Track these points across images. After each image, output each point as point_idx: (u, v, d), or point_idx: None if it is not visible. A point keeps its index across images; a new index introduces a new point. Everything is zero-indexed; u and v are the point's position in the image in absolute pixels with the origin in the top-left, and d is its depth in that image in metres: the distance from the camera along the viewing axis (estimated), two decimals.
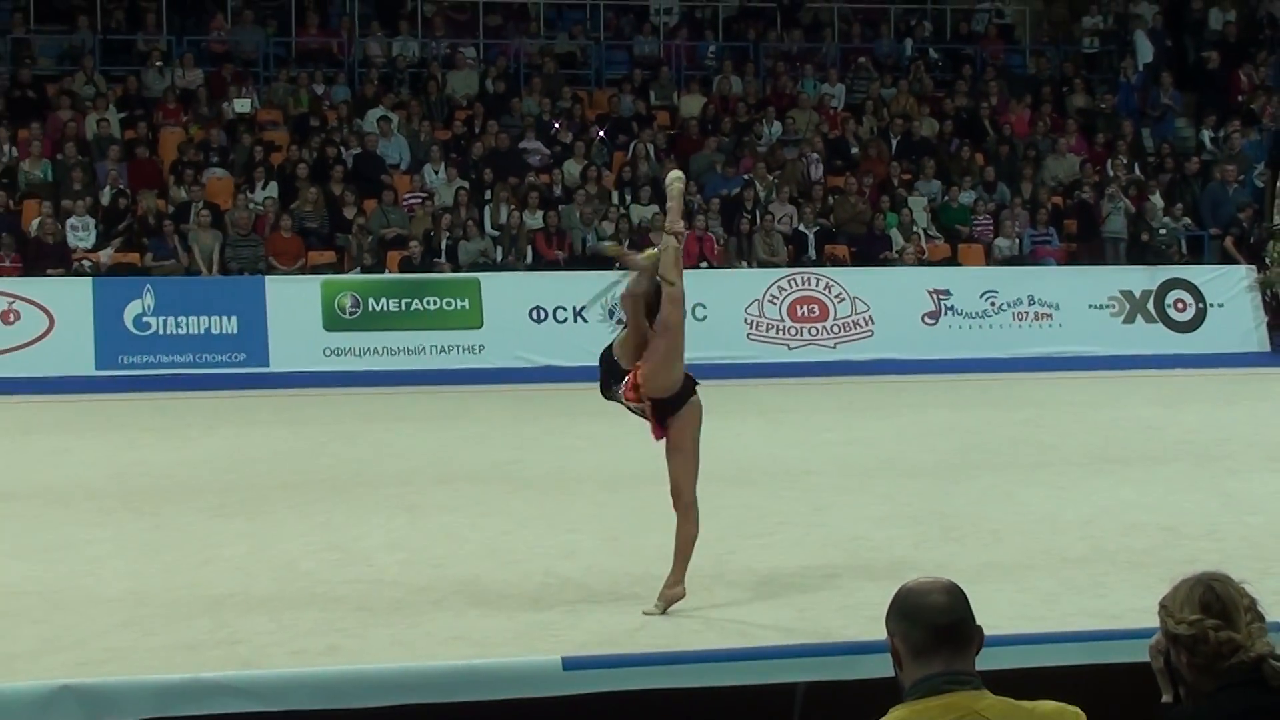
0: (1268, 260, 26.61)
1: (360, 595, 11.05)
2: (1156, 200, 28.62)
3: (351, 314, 24.08)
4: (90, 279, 24.06)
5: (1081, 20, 34.11)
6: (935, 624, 4.45)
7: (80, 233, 25.18)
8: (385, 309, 24.28)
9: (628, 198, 27.65)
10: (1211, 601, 4.66)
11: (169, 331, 23.49)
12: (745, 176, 28.17)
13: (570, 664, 5.91)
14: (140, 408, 20.52)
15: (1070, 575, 11.33)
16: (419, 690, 5.76)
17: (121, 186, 26.28)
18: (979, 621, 4.56)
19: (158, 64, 29.05)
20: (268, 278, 24.55)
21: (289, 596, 11.01)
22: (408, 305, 24.36)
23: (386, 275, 25.11)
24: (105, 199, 26.08)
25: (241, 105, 28.44)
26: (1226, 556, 11.75)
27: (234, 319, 23.75)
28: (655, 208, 26.89)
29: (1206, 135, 31.06)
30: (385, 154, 28.00)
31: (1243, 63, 32.75)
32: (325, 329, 23.95)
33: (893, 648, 4.53)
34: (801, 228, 27.31)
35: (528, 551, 12.29)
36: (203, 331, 23.59)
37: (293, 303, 24.03)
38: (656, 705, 5.87)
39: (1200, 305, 26.19)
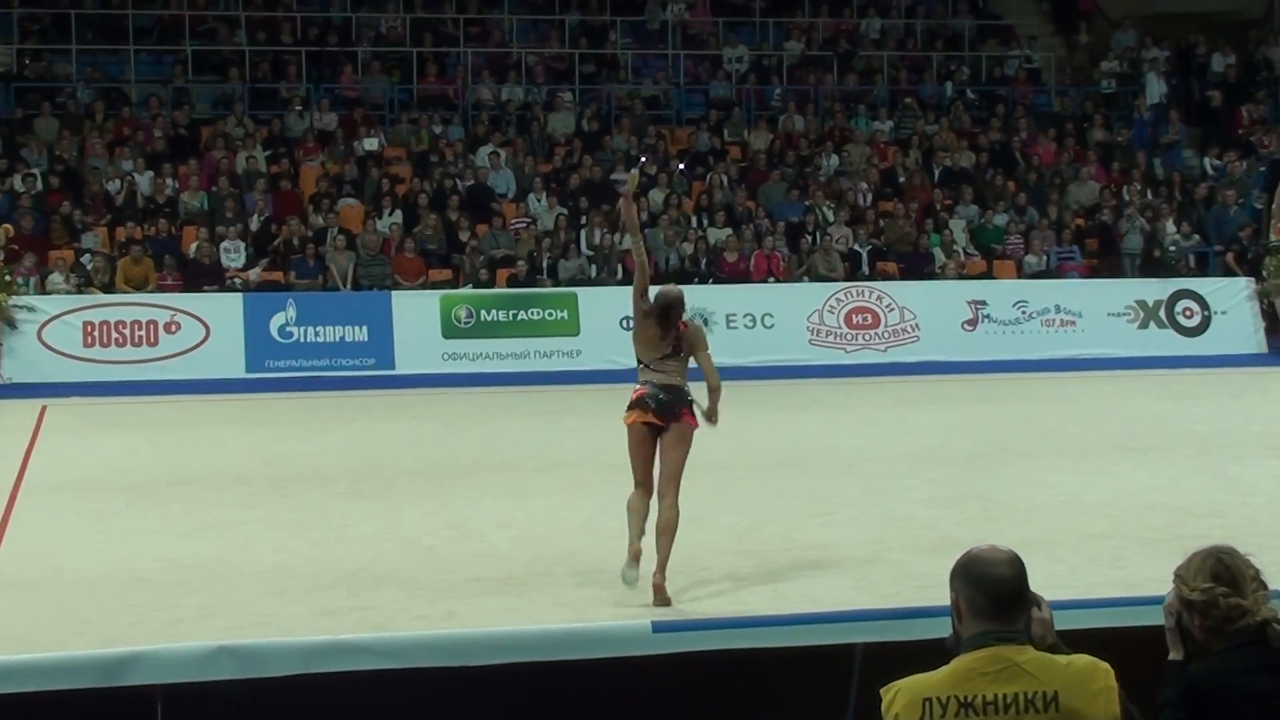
0: (1265, 273, 26.26)
1: (474, 568, 11.07)
2: (1168, 222, 28.38)
3: (466, 324, 24.12)
4: (241, 294, 24.18)
5: (1100, 64, 33.82)
6: (996, 593, 4.44)
7: (232, 254, 25.32)
8: (495, 319, 24.29)
9: (705, 221, 27.59)
10: (1221, 571, 4.65)
11: (309, 339, 23.59)
12: (807, 203, 28.06)
13: (659, 627, 5.90)
14: (284, 405, 20.62)
15: (1094, 549, 11.24)
16: (527, 650, 5.75)
17: (268, 214, 26.42)
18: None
19: (298, 109, 29.18)
20: (394, 292, 24.61)
21: (413, 569, 11.04)
22: (514, 316, 24.37)
23: (496, 290, 25.13)
24: (254, 225, 26.23)
25: (370, 144, 28.56)
26: (1231, 533, 11.59)
27: (364, 328, 23.83)
28: (729, 230, 26.84)
29: (1210, 164, 30.76)
30: (495, 185, 28.03)
31: (1242, 101, 32.44)
32: (443, 337, 23.98)
33: (955, 603, 4.51)
34: (856, 247, 27.17)
35: (621, 529, 12.17)
36: (338, 339, 23.68)
37: (415, 314, 24.09)
38: (733, 663, 5.85)
39: (1206, 313, 25.92)
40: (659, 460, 10.48)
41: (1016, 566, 4.48)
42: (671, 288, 10.89)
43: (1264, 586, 4.68)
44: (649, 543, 10.29)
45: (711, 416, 10.52)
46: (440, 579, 10.69)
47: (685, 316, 10.74)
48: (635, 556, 10.21)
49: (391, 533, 12.28)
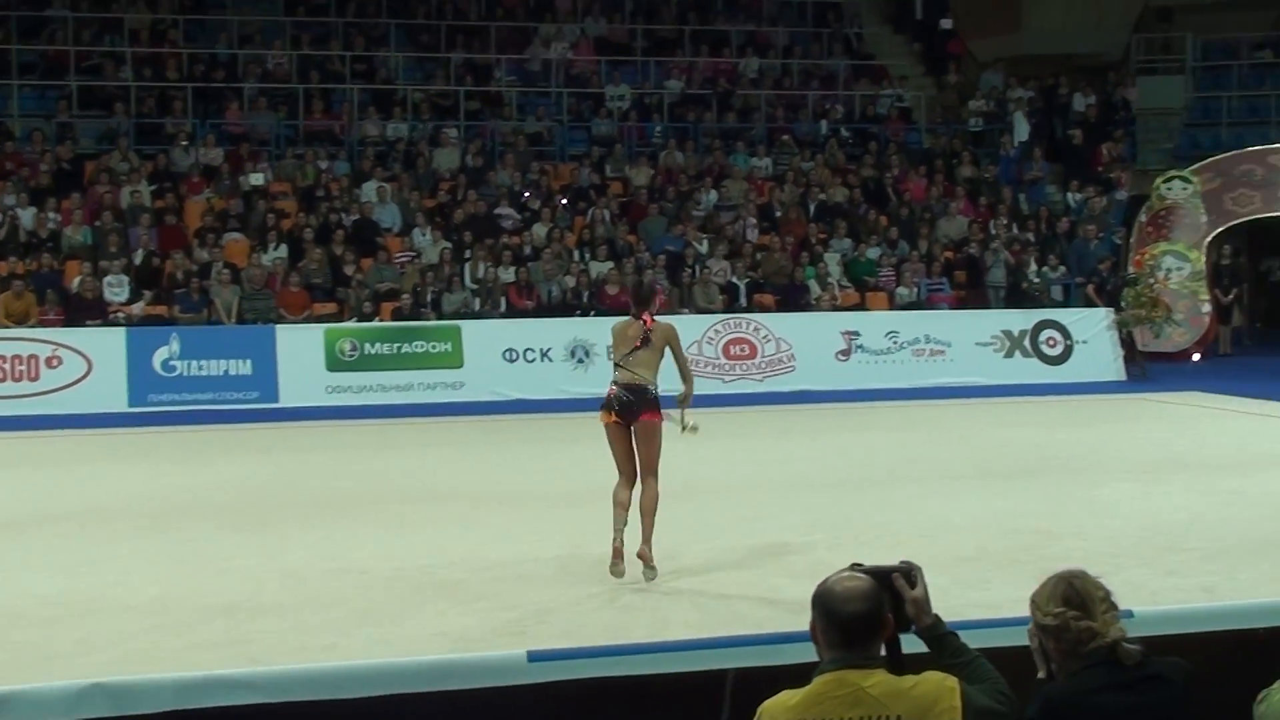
0: (1123, 304, 26.78)
1: (356, 599, 10.94)
2: (1032, 255, 28.76)
3: (350, 357, 23.93)
4: (124, 328, 23.82)
5: (968, 104, 34.27)
6: (849, 628, 4.53)
7: (116, 289, 24.96)
8: (379, 352, 24.12)
9: (587, 255, 27.59)
10: (1072, 596, 4.72)
11: (192, 373, 23.28)
12: (682, 238, 28.13)
13: (534, 656, 5.85)
14: (167, 440, 20.29)
15: (960, 572, 11.30)
16: (405, 681, 5.68)
17: (152, 249, 26.11)
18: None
19: (184, 144, 28.89)
20: (278, 326, 24.36)
21: (294, 601, 10.89)
22: (399, 349, 24.20)
23: (380, 323, 24.96)
24: (138, 259, 25.90)
25: (256, 178, 28.31)
26: (1090, 554, 11.76)
27: (248, 362, 23.56)
28: (610, 264, 26.84)
29: (1071, 199, 31.18)
30: (380, 219, 27.89)
31: (1102, 139, 32.97)
32: (327, 370, 23.78)
33: (813, 627, 4.57)
34: (734, 279, 27.28)
35: (501, 559, 12.20)
36: (222, 373, 23.39)
37: (300, 347, 23.86)
38: (609, 690, 5.81)
39: (1068, 342, 26.26)
40: (635, 454, 11.42)
41: (870, 600, 4.54)
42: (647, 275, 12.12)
43: (1114, 608, 4.76)
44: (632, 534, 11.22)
45: (685, 413, 11.81)
46: (322, 612, 10.56)
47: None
48: (617, 554, 11.13)
49: (273, 565, 12.11)
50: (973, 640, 5.57)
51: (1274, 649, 5.87)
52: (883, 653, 4.70)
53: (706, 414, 22.27)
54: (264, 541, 13.08)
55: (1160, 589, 10.71)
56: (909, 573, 4.86)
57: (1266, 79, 35.56)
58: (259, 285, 25.20)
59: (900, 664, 4.72)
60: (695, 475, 16.59)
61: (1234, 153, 30.63)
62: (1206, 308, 28.75)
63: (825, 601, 4.55)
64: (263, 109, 30.32)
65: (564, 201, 29.17)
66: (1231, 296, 30.29)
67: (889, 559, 5.05)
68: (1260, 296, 33.81)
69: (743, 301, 26.90)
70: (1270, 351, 30.08)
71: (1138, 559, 11.84)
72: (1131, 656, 4.68)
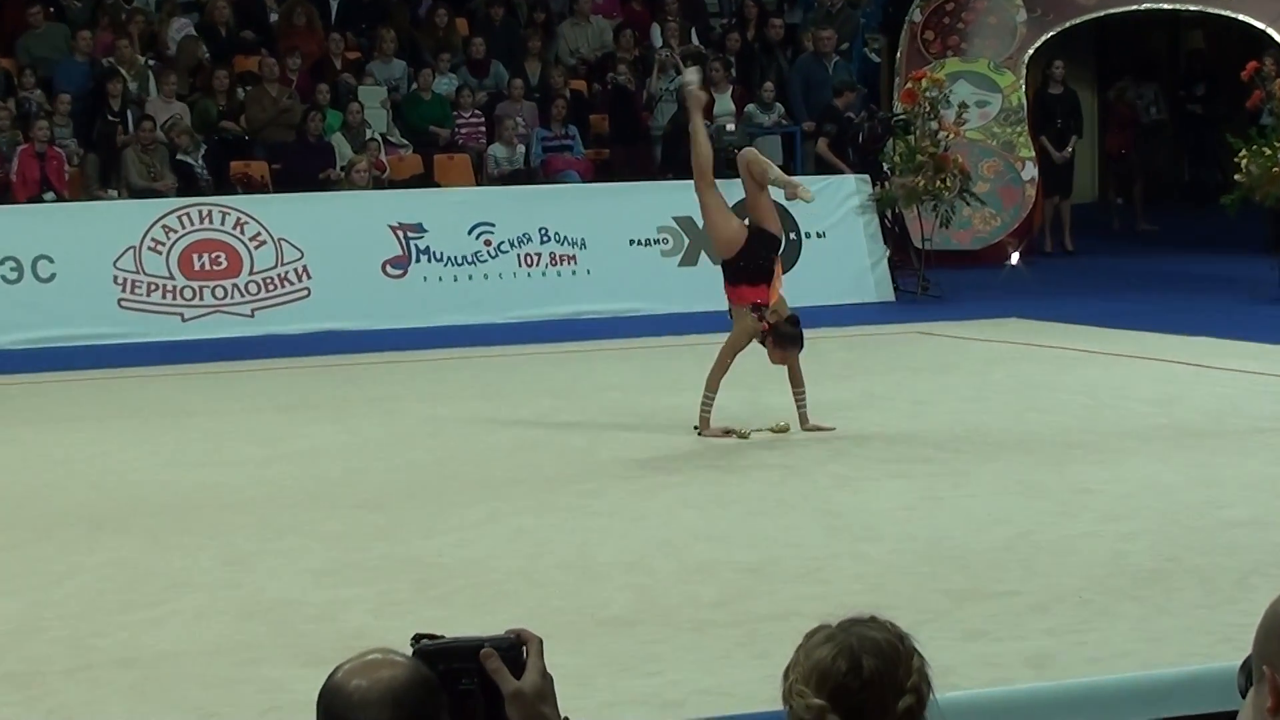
0: (887, 168, 27.00)
1: None
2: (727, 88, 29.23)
3: None
4: None
5: None
6: None
7: None
8: None
9: None
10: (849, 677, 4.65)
11: None
12: (108, 61, 27.80)
13: None
14: None
15: (610, 645, 11.42)
16: None
17: None
18: None
19: None
20: None
21: None
22: None
23: None
24: None
25: None
26: (833, 603, 11.96)
27: None
28: None
29: None
30: None
31: None
32: None
33: None
34: (197, 137, 27.12)
35: None
36: None
37: None
38: None
39: (792, 235, 26.63)
40: None
41: (401, 705, 4.50)
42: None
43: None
44: None
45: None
46: None
47: None
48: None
49: None
50: None
51: None
52: None
53: (154, 377, 22.22)
54: None
55: (956, 662, 10.97)
56: (514, 648, 4.81)
57: None
58: None
59: None
60: (136, 486, 16.51)
61: None
62: (1030, 172, 29.54)
63: (332, 704, 4.53)
64: None
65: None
66: (1070, 149, 31.20)
67: (484, 627, 5.03)
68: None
69: (207, 176, 26.73)
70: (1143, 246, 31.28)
71: (915, 608, 12.09)
72: None
